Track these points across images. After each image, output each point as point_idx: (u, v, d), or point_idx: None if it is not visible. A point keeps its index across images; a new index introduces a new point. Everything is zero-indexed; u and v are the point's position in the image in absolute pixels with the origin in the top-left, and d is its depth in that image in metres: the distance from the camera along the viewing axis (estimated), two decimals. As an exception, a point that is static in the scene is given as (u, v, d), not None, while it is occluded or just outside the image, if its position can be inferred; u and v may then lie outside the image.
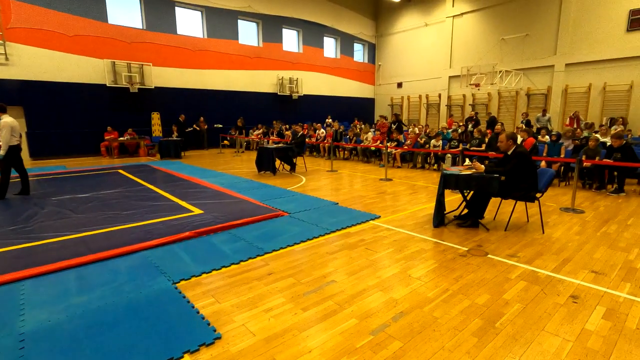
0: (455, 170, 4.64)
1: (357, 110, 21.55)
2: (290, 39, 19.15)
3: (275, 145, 8.84)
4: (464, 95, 18.19)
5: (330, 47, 20.96)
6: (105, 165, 10.71)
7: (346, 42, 21.26)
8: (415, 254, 3.72)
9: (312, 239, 4.16)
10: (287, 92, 18.46)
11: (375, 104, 23.33)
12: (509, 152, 4.46)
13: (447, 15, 18.43)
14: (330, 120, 18.23)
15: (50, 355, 2.14)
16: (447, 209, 4.97)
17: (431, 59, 19.55)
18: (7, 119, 5.76)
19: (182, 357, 2.13)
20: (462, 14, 17.89)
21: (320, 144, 12.64)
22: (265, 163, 8.69)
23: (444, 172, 4.57)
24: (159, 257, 3.60)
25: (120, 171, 9.42)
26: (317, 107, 19.86)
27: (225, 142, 15.99)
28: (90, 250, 3.70)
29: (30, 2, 11.64)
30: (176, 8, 14.82)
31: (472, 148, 8.76)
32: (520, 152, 4.34)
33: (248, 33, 17.42)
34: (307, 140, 11.78)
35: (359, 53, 22.58)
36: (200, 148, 15.35)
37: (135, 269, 3.33)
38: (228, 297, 2.86)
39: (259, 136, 14.82)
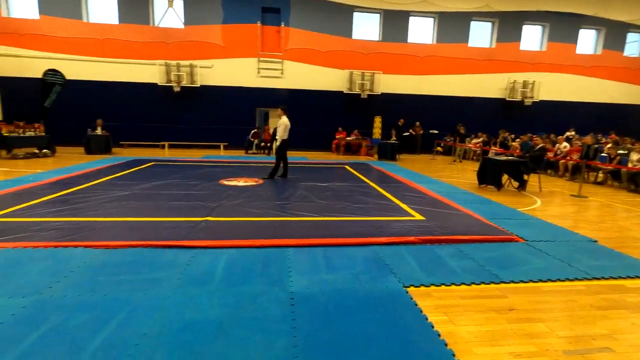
0: None
1: (618, 120, 16.42)
2: (531, 37, 16.52)
3: (504, 158, 7.79)
4: None
5: (587, 41, 16.76)
6: (334, 160, 12.47)
7: (614, 32, 16.44)
8: None
9: (564, 281, 3.33)
10: (519, 97, 16.08)
11: (652, 112, 17.12)
12: None
13: None
14: (573, 132, 14.67)
15: (311, 317, 2.54)
16: None
17: None
18: (284, 119, 7.58)
19: (422, 371, 2.07)
20: None
21: (560, 161, 10.30)
22: (489, 176, 7.81)
23: None
24: (387, 255, 3.74)
25: (347, 167, 10.72)
26: (554, 116, 16.42)
27: (439, 148, 15.57)
28: (333, 234, 4.27)
29: (301, 27, 14.86)
30: (410, 18, 15.47)
31: None
32: None
33: (480, 34, 16.21)
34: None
35: (633, 46, 17.01)
36: (413, 152, 15.55)
37: (368, 262, 3.58)
38: (463, 320, 2.62)
39: (478, 145, 13.59)
